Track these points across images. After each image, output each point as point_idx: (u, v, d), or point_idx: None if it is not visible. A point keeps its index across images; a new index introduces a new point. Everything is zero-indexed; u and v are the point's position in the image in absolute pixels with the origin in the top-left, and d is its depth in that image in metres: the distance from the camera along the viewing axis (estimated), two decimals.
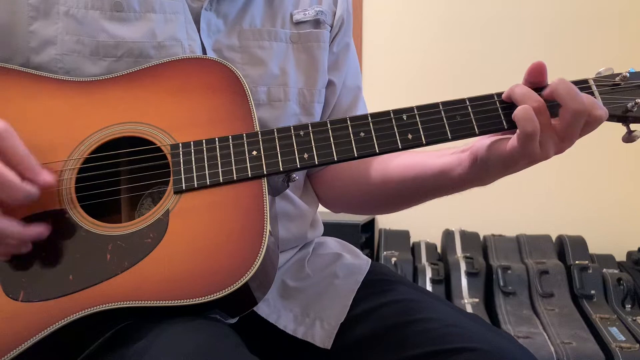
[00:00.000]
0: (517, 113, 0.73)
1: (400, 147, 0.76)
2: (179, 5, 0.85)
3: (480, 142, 0.80)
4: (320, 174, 1.01)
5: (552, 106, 0.75)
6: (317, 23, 0.95)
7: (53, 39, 0.80)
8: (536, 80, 0.77)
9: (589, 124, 0.74)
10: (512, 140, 0.75)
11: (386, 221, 2.56)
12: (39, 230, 0.71)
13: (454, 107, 0.78)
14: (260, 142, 0.76)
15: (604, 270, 2.22)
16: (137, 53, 0.82)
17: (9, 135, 0.68)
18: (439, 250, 2.47)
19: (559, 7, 2.51)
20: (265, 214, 0.71)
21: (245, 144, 0.76)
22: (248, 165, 0.74)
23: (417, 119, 0.77)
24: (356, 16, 2.60)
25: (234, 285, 0.66)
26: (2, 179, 0.67)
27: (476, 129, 0.77)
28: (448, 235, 2.45)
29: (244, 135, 0.76)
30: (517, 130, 0.74)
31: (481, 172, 0.81)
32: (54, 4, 0.80)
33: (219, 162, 0.75)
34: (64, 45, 0.80)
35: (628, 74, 0.79)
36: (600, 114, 0.74)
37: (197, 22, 0.86)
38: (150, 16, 0.83)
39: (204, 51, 0.86)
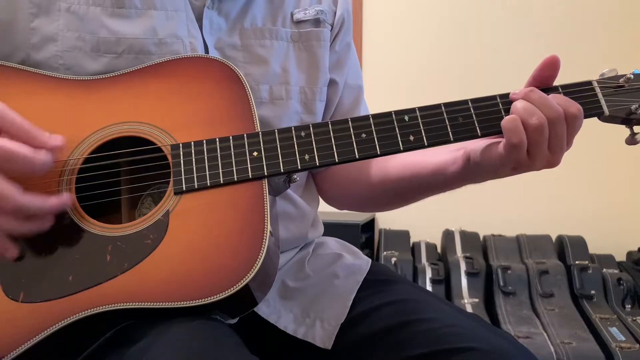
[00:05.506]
0: (504, 124, 0.75)
1: (401, 148, 0.76)
2: (180, 2, 0.85)
3: (475, 144, 0.81)
4: (323, 173, 1.02)
5: None
6: (317, 22, 0.95)
7: (54, 36, 0.80)
8: (547, 74, 0.78)
9: (570, 125, 0.75)
10: (500, 147, 0.76)
11: (386, 221, 2.56)
12: (60, 201, 0.70)
13: (456, 108, 0.78)
14: (261, 142, 0.75)
15: (604, 270, 2.22)
16: (137, 49, 0.82)
17: (6, 112, 0.68)
18: (439, 250, 2.47)
19: (562, 7, 2.51)
20: (266, 214, 0.71)
21: (246, 145, 0.75)
22: (249, 166, 0.74)
23: (419, 120, 0.77)
24: (356, 16, 2.60)
25: (235, 286, 0.66)
26: (16, 153, 0.67)
27: (478, 131, 0.77)
28: (448, 235, 2.44)
29: (245, 135, 0.76)
30: (503, 139, 0.75)
31: (472, 173, 0.83)
32: (55, 0, 0.80)
33: (220, 163, 0.74)
34: (65, 42, 0.80)
35: (632, 76, 0.79)
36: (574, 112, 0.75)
37: (199, 20, 0.86)
38: (151, 13, 0.83)
39: (206, 49, 0.86)
